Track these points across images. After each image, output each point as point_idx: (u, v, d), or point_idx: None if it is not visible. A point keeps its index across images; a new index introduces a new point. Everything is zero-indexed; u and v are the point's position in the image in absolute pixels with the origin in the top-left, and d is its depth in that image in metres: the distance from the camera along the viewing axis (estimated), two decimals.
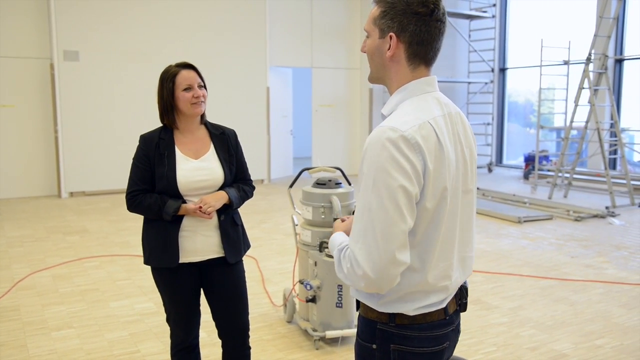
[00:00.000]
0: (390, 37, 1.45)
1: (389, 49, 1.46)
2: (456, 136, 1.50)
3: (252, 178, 2.68)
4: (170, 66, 2.46)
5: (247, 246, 2.65)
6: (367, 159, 1.38)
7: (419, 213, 1.39)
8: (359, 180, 1.42)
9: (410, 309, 1.46)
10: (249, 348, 2.64)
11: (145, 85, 9.34)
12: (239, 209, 2.61)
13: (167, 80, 2.42)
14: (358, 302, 1.58)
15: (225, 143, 2.56)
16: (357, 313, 1.60)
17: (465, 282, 1.63)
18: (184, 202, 2.42)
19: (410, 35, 1.44)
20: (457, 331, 1.61)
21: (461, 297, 1.60)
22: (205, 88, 2.50)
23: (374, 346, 1.51)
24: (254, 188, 2.67)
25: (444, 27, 1.47)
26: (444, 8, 1.47)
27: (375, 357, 1.51)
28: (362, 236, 1.36)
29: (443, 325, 1.52)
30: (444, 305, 1.51)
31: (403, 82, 1.49)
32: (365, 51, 1.53)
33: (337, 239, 1.54)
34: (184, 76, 2.42)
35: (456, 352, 3.48)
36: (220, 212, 2.49)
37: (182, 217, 2.43)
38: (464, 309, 1.62)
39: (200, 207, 2.39)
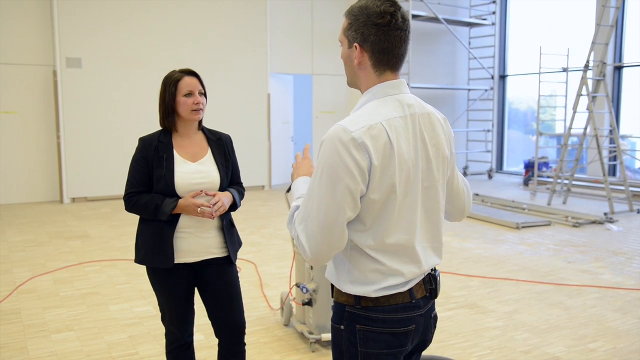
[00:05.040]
0: (355, 47, 1.59)
1: (355, 57, 1.60)
2: (418, 135, 1.60)
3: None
4: (173, 71, 2.55)
5: (240, 244, 2.73)
6: (321, 153, 1.53)
7: (366, 204, 1.53)
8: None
9: (371, 290, 1.58)
10: (245, 344, 2.69)
11: (147, 91, 9.43)
12: (231, 213, 2.68)
13: (170, 85, 2.49)
14: (332, 289, 1.71)
15: (222, 148, 2.63)
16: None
17: (435, 271, 1.71)
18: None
19: (371, 45, 1.57)
20: (428, 316, 1.69)
21: (430, 284, 1.68)
22: (205, 96, 2.58)
23: (342, 327, 1.64)
24: (244, 190, 2.78)
25: (405, 34, 1.59)
26: (405, 15, 1.59)
27: (343, 337, 1.64)
28: (305, 221, 1.54)
29: (408, 309, 1.62)
30: (406, 289, 1.61)
31: (370, 86, 1.63)
32: (342, 58, 1.68)
33: (299, 188, 1.73)
34: (186, 82, 2.50)
35: (450, 355, 3.53)
36: (223, 214, 2.55)
37: (177, 217, 2.48)
38: (435, 296, 1.70)
39: (205, 211, 2.43)
